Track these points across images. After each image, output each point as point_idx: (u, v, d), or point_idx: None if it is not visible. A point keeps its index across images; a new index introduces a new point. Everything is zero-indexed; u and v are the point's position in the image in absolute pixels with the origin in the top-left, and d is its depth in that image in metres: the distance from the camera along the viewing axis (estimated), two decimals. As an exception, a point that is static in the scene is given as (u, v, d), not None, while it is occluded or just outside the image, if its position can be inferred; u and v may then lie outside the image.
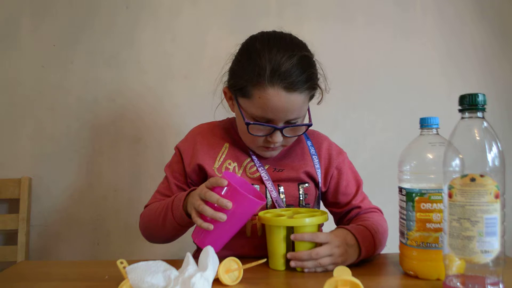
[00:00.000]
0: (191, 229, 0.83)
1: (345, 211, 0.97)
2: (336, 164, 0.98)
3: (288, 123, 0.86)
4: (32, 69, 1.41)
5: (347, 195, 0.97)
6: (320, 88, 0.89)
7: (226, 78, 0.93)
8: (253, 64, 0.82)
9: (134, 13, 1.43)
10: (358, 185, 0.99)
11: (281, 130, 0.85)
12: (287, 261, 0.77)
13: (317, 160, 0.96)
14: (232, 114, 1.01)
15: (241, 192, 0.72)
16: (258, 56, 0.82)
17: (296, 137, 0.93)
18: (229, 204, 0.70)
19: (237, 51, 0.90)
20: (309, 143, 0.99)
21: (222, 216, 0.71)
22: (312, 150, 0.97)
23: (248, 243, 0.90)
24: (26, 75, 1.41)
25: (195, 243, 0.78)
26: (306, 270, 0.74)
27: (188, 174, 0.95)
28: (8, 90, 1.41)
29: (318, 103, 0.93)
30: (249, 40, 0.89)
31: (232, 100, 0.92)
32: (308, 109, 0.91)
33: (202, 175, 0.94)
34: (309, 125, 0.89)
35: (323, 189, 0.98)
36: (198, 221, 0.73)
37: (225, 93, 0.94)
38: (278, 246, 0.76)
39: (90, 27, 1.42)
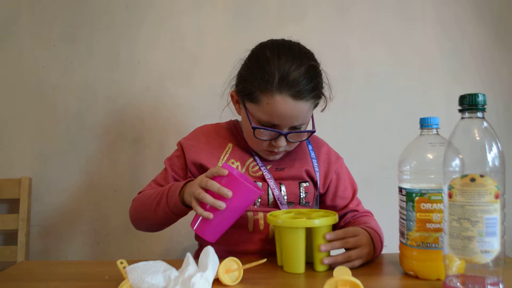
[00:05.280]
0: (181, 225, 0.83)
1: (341, 214, 0.99)
2: (335, 169, 1.01)
3: (293, 129, 0.89)
4: (32, 69, 1.41)
5: (344, 199, 1.00)
6: (324, 96, 0.94)
7: (233, 82, 0.95)
8: (262, 71, 0.84)
9: (134, 13, 1.43)
10: (354, 190, 1.02)
11: (285, 135, 0.88)
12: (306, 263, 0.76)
13: (316, 164, 1.00)
14: (237, 117, 1.03)
15: (240, 182, 0.74)
16: (267, 64, 0.84)
17: (299, 143, 0.96)
18: (229, 193, 0.73)
19: (247, 57, 0.93)
20: (310, 147, 1.02)
21: (222, 204, 0.73)
22: (313, 154, 1.01)
23: (251, 238, 0.91)
24: (26, 75, 1.41)
25: (194, 231, 0.79)
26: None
27: (189, 169, 0.97)
28: (8, 90, 1.41)
29: (322, 110, 0.96)
30: (259, 47, 0.91)
31: (238, 104, 0.95)
32: (312, 117, 0.94)
33: (203, 172, 0.95)
34: (313, 131, 0.92)
35: (321, 191, 1.00)
36: (199, 209, 0.75)
37: (232, 96, 0.97)
38: (299, 248, 0.74)
39: (90, 27, 1.42)
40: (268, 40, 0.92)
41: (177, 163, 0.98)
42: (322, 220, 0.74)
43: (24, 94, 1.41)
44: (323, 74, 0.92)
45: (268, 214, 0.80)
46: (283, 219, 0.75)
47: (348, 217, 0.98)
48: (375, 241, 0.82)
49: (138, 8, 1.43)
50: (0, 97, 1.41)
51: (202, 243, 1.04)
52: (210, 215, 0.74)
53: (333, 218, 0.76)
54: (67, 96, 1.42)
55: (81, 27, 1.42)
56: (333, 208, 1.00)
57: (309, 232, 0.75)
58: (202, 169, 0.95)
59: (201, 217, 0.76)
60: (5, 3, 1.41)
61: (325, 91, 0.93)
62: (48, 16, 1.42)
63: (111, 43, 1.43)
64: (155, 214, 0.88)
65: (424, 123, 0.72)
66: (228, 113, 1.06)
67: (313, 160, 1.00)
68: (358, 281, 0.56)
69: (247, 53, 0.93)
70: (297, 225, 0.74)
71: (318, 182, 0.98)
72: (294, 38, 0.94)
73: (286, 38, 0.92)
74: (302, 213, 0.82)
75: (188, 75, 1.44)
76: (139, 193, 0.98)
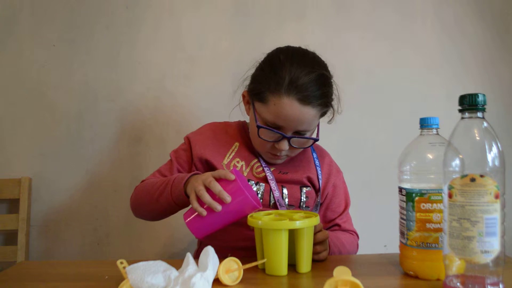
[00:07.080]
0: (181, 225, 0.84)
1: (326, 227, 1.01)
2: (334, 182, 1.03)
3: (297, 134, 0.91)
4: (32, 69, 1.41)
5: (335, 212, 1.03)
6: (332, 107, 0.95)
7: (247, 82, 0.98)
8: (274, 73, 0.87)
9: (134, 13, 1.43)
10: (346, 206, 1.05)
11: (288, 139, 0.90)
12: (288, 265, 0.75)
13: (320, 172, 1.01)
14: (246, 118, 1.05)
15: (243, 192, 0.74)
16: (279, 67, 0.87)
17: (301, 149, 0.97)
18: (228, 198, 0.73)
19: (262, 59, 0.96)
20: (314, 155, 1.04)
21: (218, 207, 0.73)
22: (317, 162, 1.03)
23: (251, 236, 0.91)
24: (26, 75, 1.41)
25: (185, 223, 0.78)
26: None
27: (195, 164, 0.98)
28: (8, 90, 1.41)
29: (329, 122, 0.98)
30: (275, 51, 0.95)
31: (249, 104, 0.97)
32: (318, 125, 0.95)
33: (208, 169, 0.97)
34: (316, 139, 0.94)
35: (320, 201, 1.02)
36: (195, 204, 0.75)
37: (243, 96, 0.99)
38: (282, 250, 0.72)
39: (90, 27, 1.42)
40: (285, 46, 0.95)
41: (183, 156, 1.00)
42: (305, 222, 0.73)
43: (24, 94, 1.41)
44: (334, 86, 0.94)
45: (248, 216, 0.78)
46: (265, 221, 0.74)
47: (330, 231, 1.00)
48: (331, 242, 0.88)
49: (138, 8, 1.43)
50: (0, 97, 1.41)
51: (202, 241, 1.05)
52: (204, 212, 0.74)
53: (315, 219, 0.75)
54: (67, 96, 1.42)
55: (81, 27, 1.42)
56: (321, 218, 1.02)
57: (291, 234, 0.74)
58: (207, 164, 0.97)
59: (195, 212, 0.76)
60: (5, 3, 1.41)
61: (334, 103, 0.95)
62: (48, 16, 1.42)
63: (111, 43, 1.43)
64: (157, 202, 0.88)
65: (424, 123, 0.72)
66: (238, 114, 1.07)
67: (317, 167, 1.02)
68: (358, 281, 0.57)
69: (263, 56, 0.96)
70: (280, 227, 0.71)
71: (320, 189, 1.00)
72: (293, 37, 0.96)
73: (303, 47, 0.95)
74: (283, 215, 0.80)
75: (188, 75, 1.44)
76: (142, 181, 0.99)
